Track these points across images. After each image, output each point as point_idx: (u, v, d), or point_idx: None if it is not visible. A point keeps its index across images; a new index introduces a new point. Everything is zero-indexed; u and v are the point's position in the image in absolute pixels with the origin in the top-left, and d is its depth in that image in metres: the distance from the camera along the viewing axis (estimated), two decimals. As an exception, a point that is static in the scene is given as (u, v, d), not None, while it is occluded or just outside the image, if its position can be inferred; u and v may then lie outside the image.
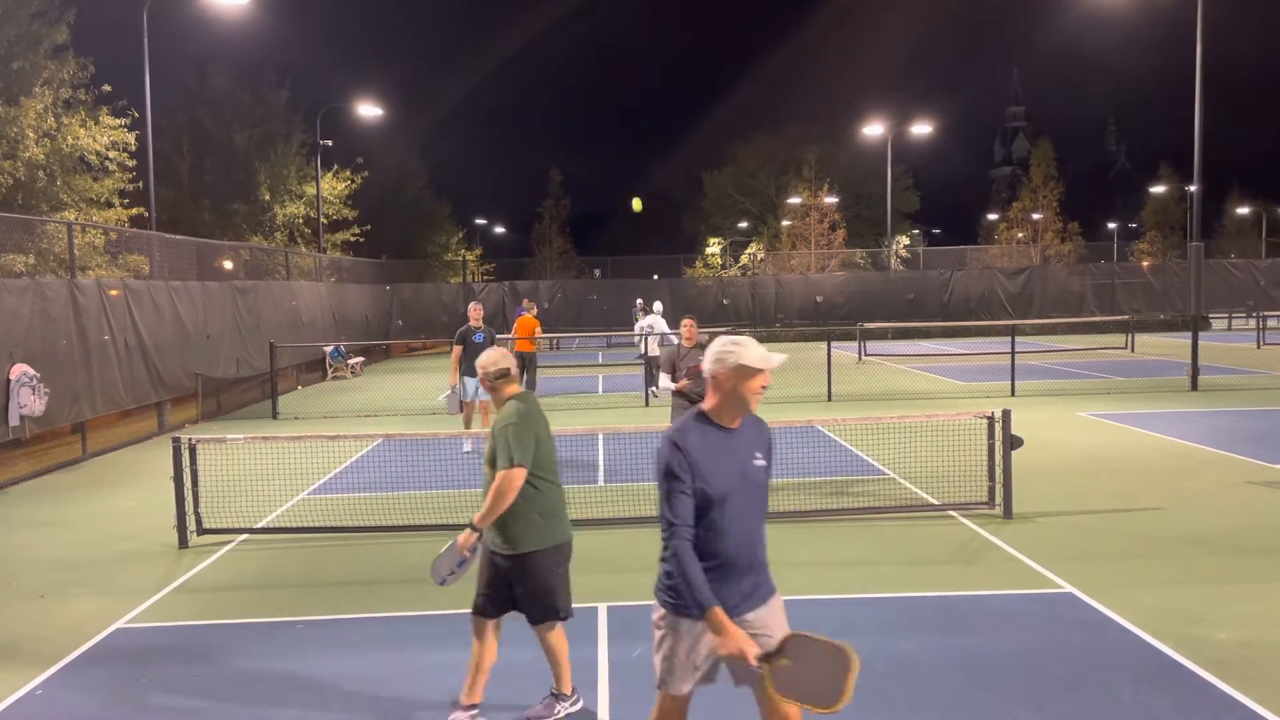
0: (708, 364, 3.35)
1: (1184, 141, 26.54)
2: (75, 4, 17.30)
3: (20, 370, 11.10)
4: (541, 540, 4.49)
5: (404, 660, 5.53)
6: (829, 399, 16.41)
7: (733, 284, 36.79)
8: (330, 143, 30.08)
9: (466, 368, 11.84)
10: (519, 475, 4.40)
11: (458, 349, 12.06)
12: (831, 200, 47.53)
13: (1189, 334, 17.67)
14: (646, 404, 16.55)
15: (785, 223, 50.72)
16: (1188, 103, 25.45)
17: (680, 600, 3.27)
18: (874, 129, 41.80)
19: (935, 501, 8.86)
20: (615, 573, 7.01)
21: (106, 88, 17.66)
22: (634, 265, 39.44)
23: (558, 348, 32.67)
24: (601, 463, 11.38)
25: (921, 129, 41.95)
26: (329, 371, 23.71)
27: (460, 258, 46.29)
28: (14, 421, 11.02)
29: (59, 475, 11.75)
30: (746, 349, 3.30)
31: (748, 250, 48.68)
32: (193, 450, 8.24)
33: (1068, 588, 6.42)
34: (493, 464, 4.47)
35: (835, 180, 49.41)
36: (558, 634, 4.64)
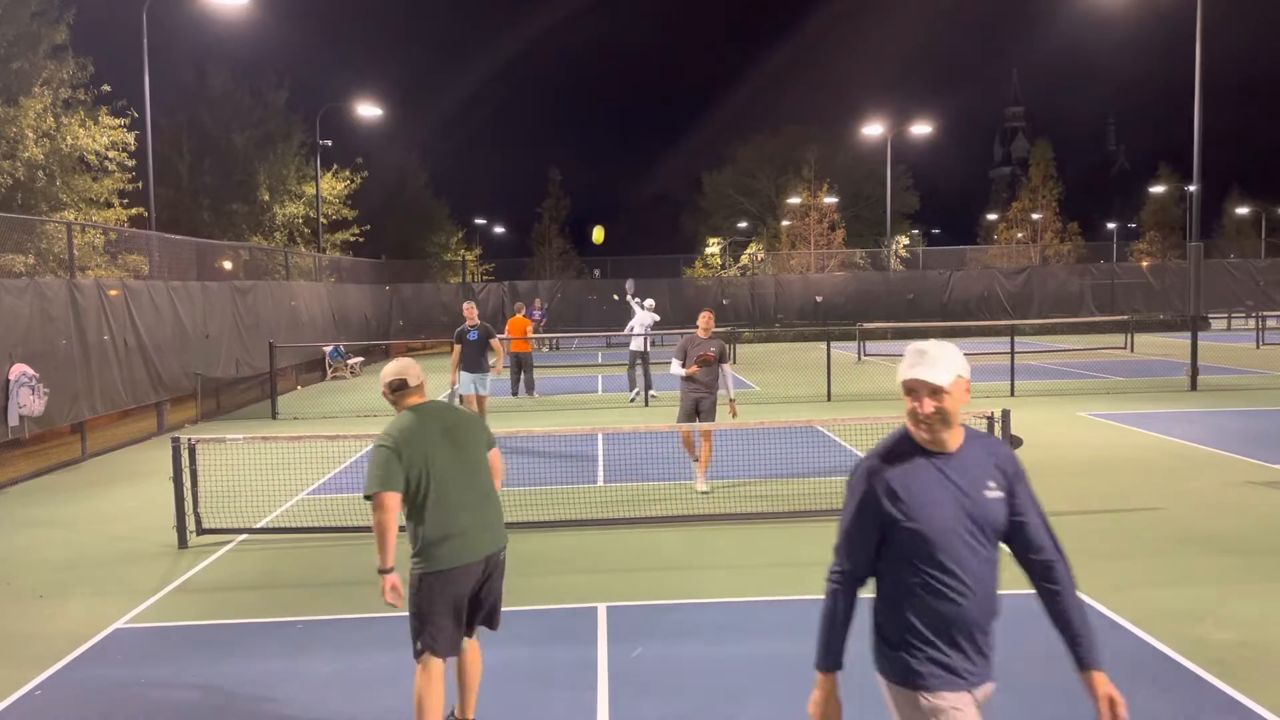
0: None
1: (1184, 141, 26.54)
2: (75, 4, 17.32)
3: (19, 370, 11.10)
4: (425, 564, 4.14)
5: (404, 660, 5.51)
6: (828, 399, 16.41)
7: (732, 284, 36.78)
8: (330, 143, 30.05)
9: (463, 365, 12.73)
10: (376, 506, 4.06)
11: (457, 349, 12.70)
12: (831, 200, 47.55)
13: (1188, 334, 17.67)
14: (646, 404, 16.55)
15: (785, 223, 50.75)
16: (1187, 103, 25.45)
17: (906, 667, 2.68)
18: (873, 129, 41.80)
19: (935, 501, 8.84)
20: (615, 573, 7.01)
21: (106, 88, 17.68)
22: (633, 265, 39.40)
23: (557, 348, 32.66)
24: (601, 463, 11.38)
25: (921, 129, 41.94)
26: (328, 371, 23.70)
27: (460, 258, 46.29)
28: (13, 421, 11.02)
29: (58, 475, 11.74)
30: (904, 359, 2.72)
31: (747, 250, 48.68)
32: (192, 450, 8.24)
33: (1067, 588, 6.41)
34: None
35: (835, 180, 49.46)
36: (419, 669, 4.16)
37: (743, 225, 59.17)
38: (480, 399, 12.72)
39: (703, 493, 9.52)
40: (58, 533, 8.84)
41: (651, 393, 16.80)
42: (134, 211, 18.64)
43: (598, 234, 3.96)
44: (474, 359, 12.65)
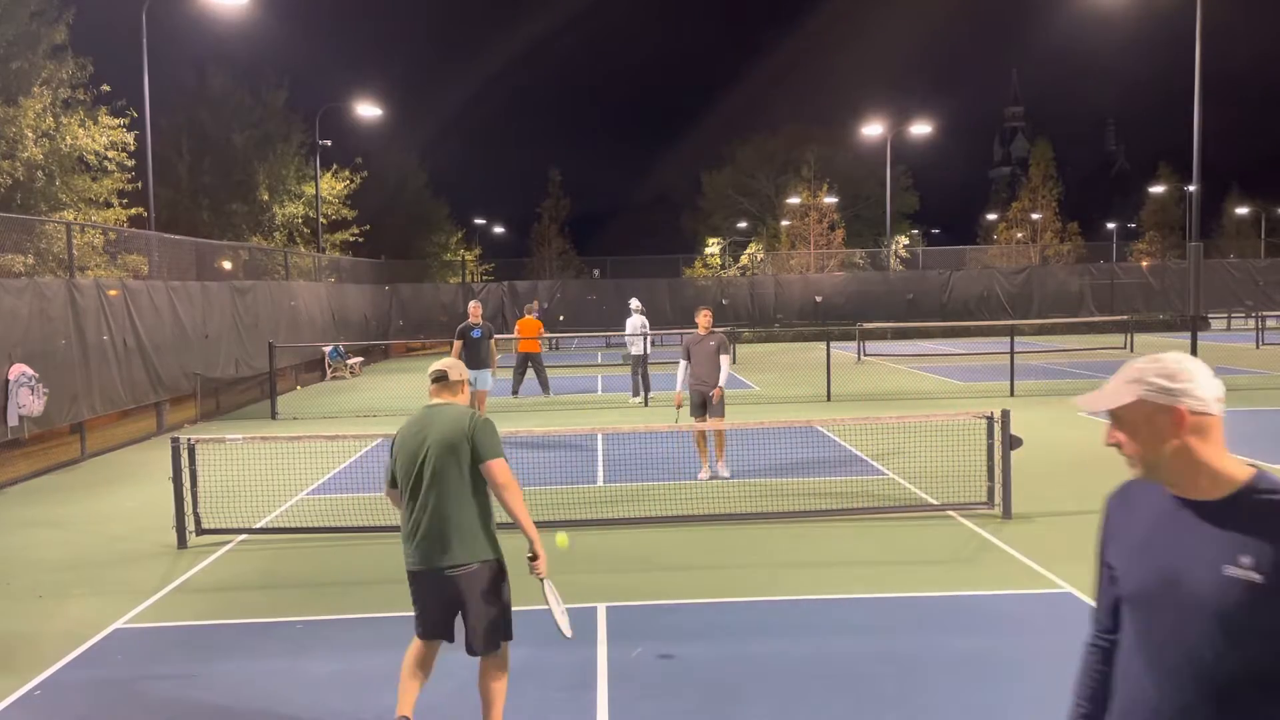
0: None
1: (1183, 142, 26.58)
2: (74, 4, 17.30)
3: (19, 370, 11.09)
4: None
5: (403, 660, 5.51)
6: (828, 399, 16.40)
7: (732, 284, 36.77)
8: (329, 143, 30.06)
9: (465, 361, 12.90)
10: (388, 494, 4.46)
11: (458, 344, 13.10)
12: (830, 200, 47.55)
13: (1188, 334, 17.68)
14: (646, 404, 16.55)
15: (784, 223, 50.76)
16: (1187, 103, 25.48)
17: None
18: (873, 129, 41.82)
19: (934, 501, 8.86)
20: (614, 573, 7.01)
21: (105, 88, 17.66)
22: (633, 265, 39.40)
23: (557, 348, 32.66)
24: (601, 463, 11.38)
25: (920, 129, 41.98)
26: (328, 371, 23.69)
27: (459, 258, 46.29)
28: (13, 422, 11.01)
29: (58, 475, 11.74)
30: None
31: (747, 250, 48.70)
32: (191, 450, 8.24)
33: (1067, 588, 6.42)
34: None
35: (834, 180, 49.43)
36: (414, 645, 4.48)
37: (742, 225, 59.16)
38: (480, 394, 13.30)
39: (726, 478, 9.98)
40: (57, 533, 8.84)
41: (650, 394, 16.81)
42: (133, 211, 18.62)
43: (561, 540, 4.00)
44: (477, 356, 13.15)
